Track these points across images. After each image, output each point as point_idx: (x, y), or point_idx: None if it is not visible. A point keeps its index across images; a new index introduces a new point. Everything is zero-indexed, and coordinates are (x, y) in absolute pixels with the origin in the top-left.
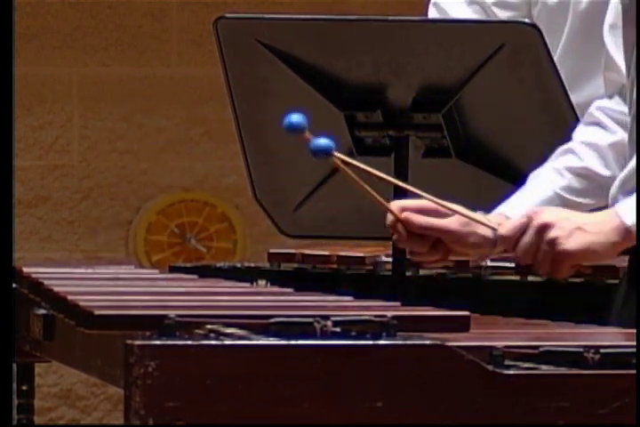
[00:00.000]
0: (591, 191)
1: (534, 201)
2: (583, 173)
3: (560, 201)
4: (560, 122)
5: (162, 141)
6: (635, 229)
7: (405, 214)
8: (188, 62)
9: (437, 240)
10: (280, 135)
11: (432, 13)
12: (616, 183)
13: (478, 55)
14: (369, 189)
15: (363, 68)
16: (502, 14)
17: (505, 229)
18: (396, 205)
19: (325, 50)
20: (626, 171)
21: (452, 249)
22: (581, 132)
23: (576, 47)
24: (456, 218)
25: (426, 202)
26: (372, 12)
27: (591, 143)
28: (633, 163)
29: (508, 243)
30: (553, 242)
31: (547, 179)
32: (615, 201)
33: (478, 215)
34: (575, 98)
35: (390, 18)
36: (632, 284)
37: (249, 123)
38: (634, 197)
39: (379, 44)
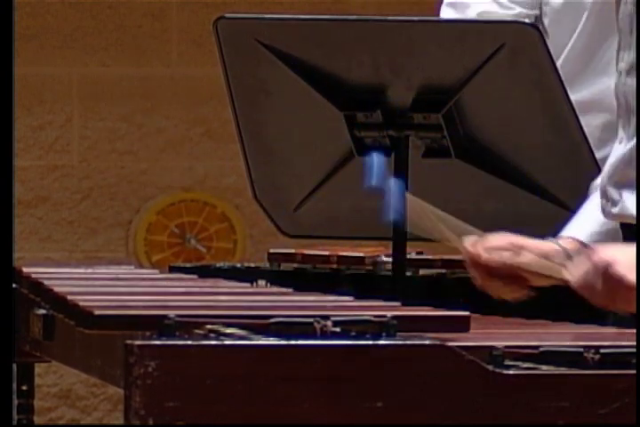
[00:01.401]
0: None
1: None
2: None
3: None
4: (560, 122)
5: (162, 141)
6: None
7: (482, 259)
8: (188, 62)
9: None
10: (280, 135)
11: (447, 13)
12: (605, 170)
13: (478, 55)
14: (444, 228)
15: (363, 68)
16: (513, 11)
17: (576, 278)
18: (470, 248)
19: (325, 50)
20: (614, 159)
21: (529, 280)
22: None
23: (586, 45)
24: (531, 253)
25: (499, 241)
26: (372, 12)
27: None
28: (625, 150)
29: (584, 290)
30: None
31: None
32: (604, 192)
33: (549, 265)
34: (580, 96)
35: (390, 18)
36: None
37: (249, 123)
38: None
39: (379, 44)
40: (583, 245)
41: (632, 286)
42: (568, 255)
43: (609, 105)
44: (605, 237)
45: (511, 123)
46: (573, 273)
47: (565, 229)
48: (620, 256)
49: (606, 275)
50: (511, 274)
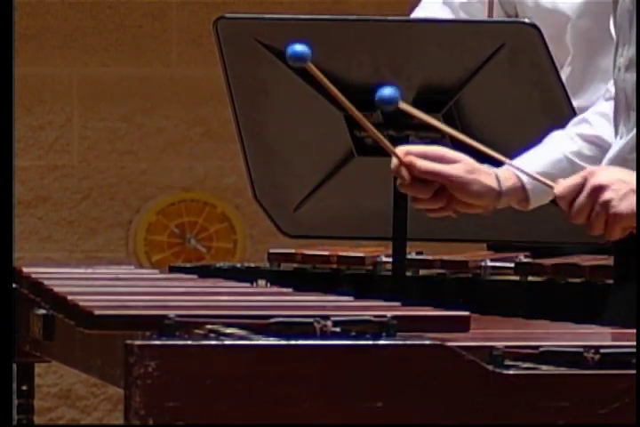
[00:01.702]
0: (599, 159)
1: (544, 162)
2: (594, 141)
3: (569, 165)
4: (560, 122)
5: (162, 141)
6: None
7: (409, 158)
8: (188, 62)
9: (441, 187)
10: (280, 135)
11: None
12: (604, 163)
13: (478, 55)
14: (371, 126)
15: (363, 68)
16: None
17: (560, 188)
18: (400, 149)
19: (325, 50)
20: (613, 153)
21: (455, 198)
22: (598, 105)
23: (585, 51)
24: (461, 165)
25: (432, 148)
26: (372, 12)
27: (605, 114)
28: (623, 143)
29: (564, 202)
30: (606, 204)
31: (558, 142)
32: None
33: (537, 175)
34: (582, 102)
35: (390, 18)
36: (618, 282)
37: (249, 123)
38: None
39: (379, 44)
40: (518, 179)
41: (616, 213)
42: (499, 184)
43: None
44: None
45: (511, 123)
46: (562, 183)
47: (519, 159)
48: (615, 184)
49: (594, 197)
50: (437, 184)
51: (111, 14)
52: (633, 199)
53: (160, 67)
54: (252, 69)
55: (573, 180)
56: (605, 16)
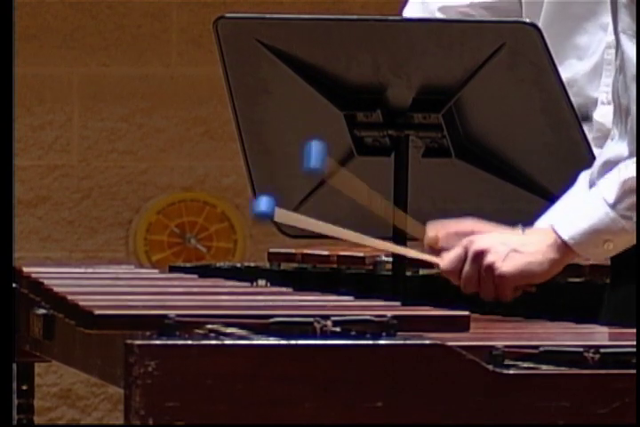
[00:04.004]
0: None
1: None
2: None
3: None
4: (560, 122)
5: (162, 141)
6: (573, 239)
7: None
8: (188, 62)
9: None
10: (280, 135)
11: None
12: (597, 166)
13: (478, 55)
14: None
15: (363, 68)
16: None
17: (445, 262)
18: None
19: (325, 50)
20: (607, 157)
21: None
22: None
23: (552, 25)
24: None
25: (461, 227)
26: (372, 12)
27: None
28: (617, 147)
29: (452, 275)
30: (490, 267)
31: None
32: (593, 183)
33: (418, 253)
34: None
35: (390, 18)
36: (615, 281)
37: (249, 123)
38: (571, 210)
39: (379, 44)
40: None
41: (501, 274)
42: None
43: (579, 89)
44: None
45: (511, 122)
46: (445, 257)
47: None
48: (494, 247)
49: (478, 263)
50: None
51: (111, 14)
52: (516, 260)
53: (160, 67)
54: (252, 69)
55: (455, 251)
56: None
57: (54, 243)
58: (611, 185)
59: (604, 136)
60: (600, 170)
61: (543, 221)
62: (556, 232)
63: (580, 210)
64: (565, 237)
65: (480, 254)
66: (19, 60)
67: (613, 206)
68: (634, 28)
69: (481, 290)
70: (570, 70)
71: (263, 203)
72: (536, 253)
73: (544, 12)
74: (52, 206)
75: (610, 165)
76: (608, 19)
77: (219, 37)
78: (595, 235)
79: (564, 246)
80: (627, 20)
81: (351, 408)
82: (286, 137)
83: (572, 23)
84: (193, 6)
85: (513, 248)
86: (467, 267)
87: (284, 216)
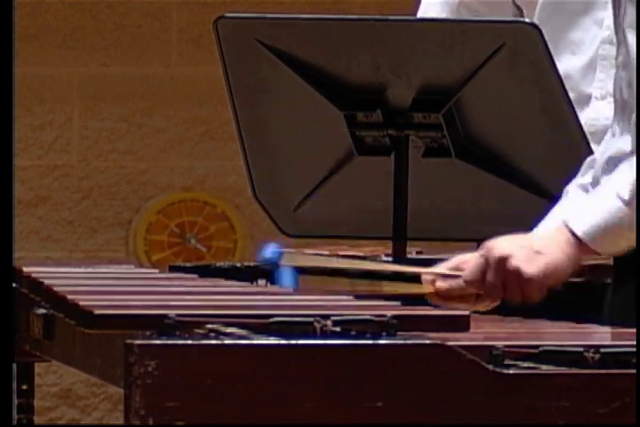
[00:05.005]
0: None
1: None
2: None
3: None
4: (560, 122)
5: (162, 141)
6: (587, 235)
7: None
8: (188, 62)
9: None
10: (280, 135)
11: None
12: (600, 163)
13: (478, 55)
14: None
15: (363, 68)
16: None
17: (466, 273)
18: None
19: (325, 50)
20: (609, 153)
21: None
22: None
23: (547, 21)
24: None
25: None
26: (372, 12)
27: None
28: (618, 144)
29: (474, 286)
30: (516, 272)
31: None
32: (597, 180)
33: (436, 269)
34: None
35: (390, 18)
36: (618, 281)
37: (249, 122)
38: (581, 203)
39: (379, 44)
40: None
41: (529, 276)
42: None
43: (574, 84)
44: None
45: (511, 122)
46: (465, 269)
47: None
48: (515, 251)
49: (502, 269)
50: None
51: (111, 14)
52: (540, 261)
53: (160, 67)
54: (252, 69)
55: (474, 262)
56: None
57: (54, 243)
58: (625, 182)
59: (597, 131)
60: (604, 167)
61: (551, 220)
62: (570, 229)
63: (594, 206)
64: (579, 233)
65: (503, 261)
66: (19, 60)
67: (628, 203)
68: None
69: (507, 296)
70: (564, 65)
71: (270, 251)
72: (558, 252)
73: (539, 7)
74: (52, 206)
75: (614, 162)
76: (603, 14)
77: (219, 37)
78: (609, 231)
79: (578, 243)
80: (633, 16)
81: (351, 408)
82: (286, 137)
83: (567, 18)
84: (193, 6)
85: (534, 250)
86: (490, 275)
87: (292, 258)
